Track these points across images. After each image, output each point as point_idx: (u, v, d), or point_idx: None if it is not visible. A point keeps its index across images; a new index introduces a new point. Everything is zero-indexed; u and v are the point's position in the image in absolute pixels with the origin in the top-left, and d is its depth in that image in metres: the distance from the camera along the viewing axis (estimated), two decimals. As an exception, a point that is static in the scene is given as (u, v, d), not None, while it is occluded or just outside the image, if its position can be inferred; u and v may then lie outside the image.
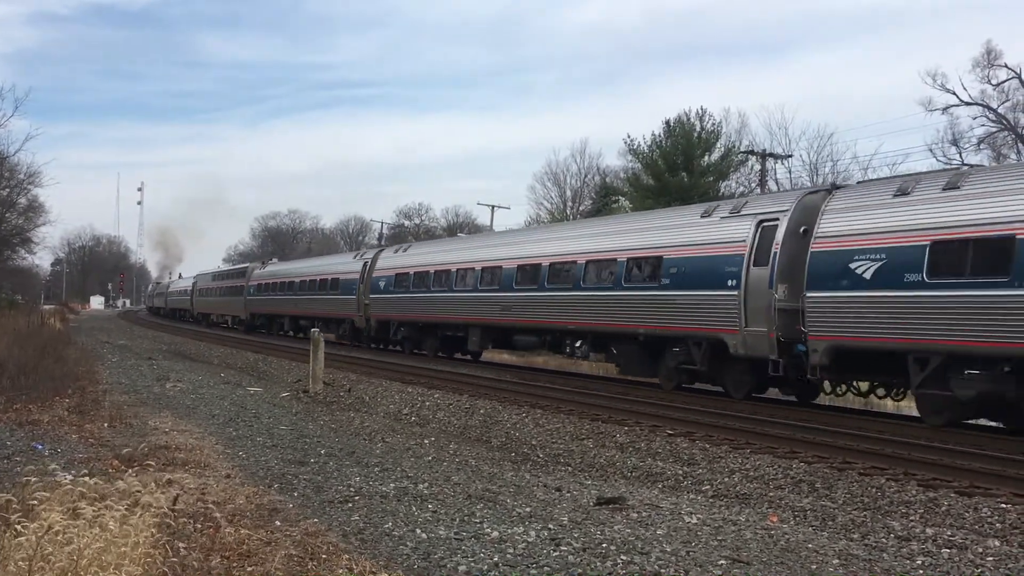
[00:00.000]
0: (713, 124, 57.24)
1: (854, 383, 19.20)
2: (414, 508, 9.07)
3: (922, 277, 15.78)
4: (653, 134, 57.70)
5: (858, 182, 23.89)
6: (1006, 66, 52.30)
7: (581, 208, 75.87)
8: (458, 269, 32.21)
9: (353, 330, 41.60)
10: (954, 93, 53.61)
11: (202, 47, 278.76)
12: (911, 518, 10.34)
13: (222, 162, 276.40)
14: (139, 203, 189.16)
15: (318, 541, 7.44)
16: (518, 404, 20.25)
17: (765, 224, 19.61)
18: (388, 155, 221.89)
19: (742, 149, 58.03)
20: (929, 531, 9.51)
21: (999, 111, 53.79)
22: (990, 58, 52.37)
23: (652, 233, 23.22)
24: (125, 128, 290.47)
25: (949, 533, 9.43)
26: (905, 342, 16.05)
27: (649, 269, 22.71)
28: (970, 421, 16.95)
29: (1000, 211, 14.78)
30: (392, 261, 38.29)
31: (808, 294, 17.83)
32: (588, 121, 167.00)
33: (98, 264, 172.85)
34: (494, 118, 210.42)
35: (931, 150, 55.38)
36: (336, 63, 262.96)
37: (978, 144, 54.01)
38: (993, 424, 16.78)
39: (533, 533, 8.13)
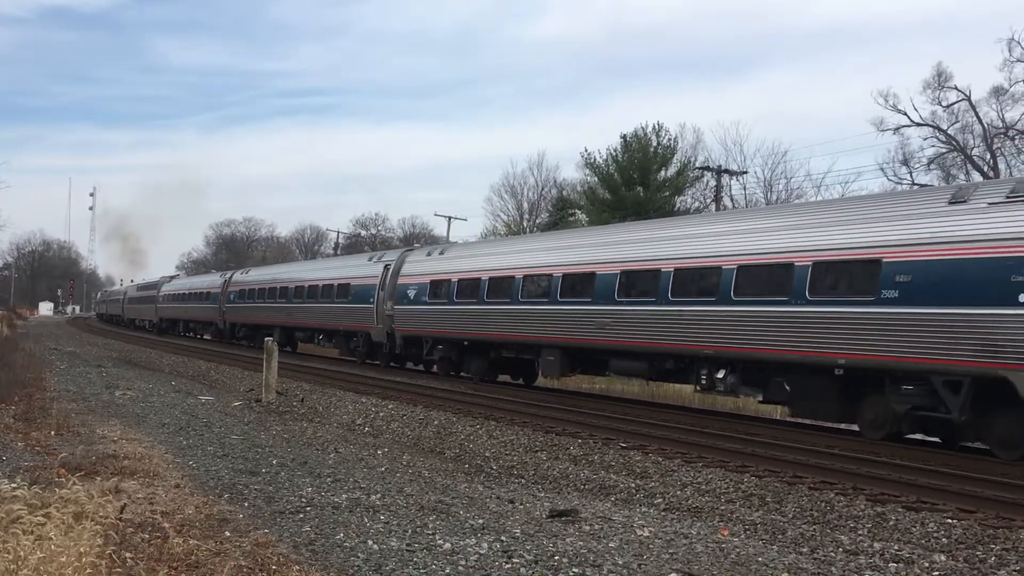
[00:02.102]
0: (669, 139, 57.76)
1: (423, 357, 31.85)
2: (366, 519, 9.02)
3: (427, 297, 30.04)
4: (610, 148, 58.11)
5: (425, 244, 42.23)
6: (956, 88, 53.37)
7: (538, 221, 76.08)
8: (269, 287, 46.40)
9: (217, 330, 55.82)
10: (905, 114, 54.58)
11: (159, 52, 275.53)
12: (859, 532, 10.45)
13: (178, 169, 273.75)
14: (91, 208, 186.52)
15: (268, 552, 7.37)
16: (472, 416, 20.22)
17: (388, 266, 33.70)
18: (347, 164, 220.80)
19: (698, 165, 58.63)
20: (877, 545, 9.63)
21: (949, 132, 54.82)
22: (940, 80, 53.42)
23: (346, 269, 38.75)
24: (79, 132, 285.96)
25: (896, 547, 9.55)
26: (423, 332, 30.61)
27: (346, 290, 36.77)
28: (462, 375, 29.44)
29: (448, 267, 29.82)
30: (240, 278, 53.05)
31: (395, 307, 32.00)
32: (546, 134, 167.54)
33: (48, 270, 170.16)
34: (453, 129, 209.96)
35: (882, 169, 56.52)
36: (295, 71, 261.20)
37: (928, 164, 55.07)
38: (514, 381, 29.19)
39: (485, 545, 8.12)
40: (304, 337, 42.83)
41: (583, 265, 23.24)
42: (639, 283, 21.41)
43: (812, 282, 17.14)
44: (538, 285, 24.93)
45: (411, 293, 31.05)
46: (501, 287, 26.30)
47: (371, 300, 33.91)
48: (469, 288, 27.85)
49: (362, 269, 36.49)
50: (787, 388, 18.22)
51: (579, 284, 23.11)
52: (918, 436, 16.94)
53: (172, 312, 65.51)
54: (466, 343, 28.47)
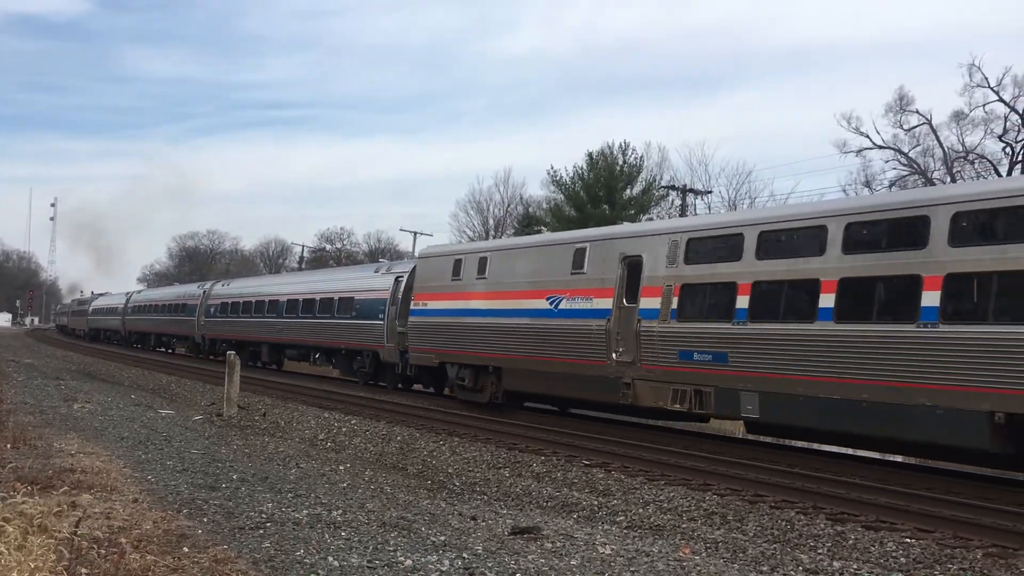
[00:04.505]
0: (635, 158, 58.04)
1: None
2: (327, 535, 8.94)
3: (219, 313, 47.81)
4: (576, 166, 58.34)
5: (228, 278, 68.62)
6: (917, 112, 54.08)
7: (504, 237, 75.97)
8: (149, 305, 64.25)
9: (120, 337, 72.44)
10: (867, 136, 55.20)
11: (128, 61, 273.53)
12: (819, 551, 10.51)
13: (144, 179, 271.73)
14: (52, 219, 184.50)
15: (227, 568, 7.28)
16: (435, 432, 20.16)
17: (205, 291, 51.07)
18: (315, 177, 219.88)
19: (663, 183, 59.01)
20: (836, 564, 9.68)
21: (910, 155, 55.53)
22: (902, 104, 54.11)
23: (184, 292, 56.61)
24: (44, 141, 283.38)
25: (855, 567, 9.62)
26: (217, 336, 48.07)
27: (183, 308, 53.71)
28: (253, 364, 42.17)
29: (228, 293, 48.81)
30: (135, 297, 71.33)
31: (205, 319, 49.62)
32: (514, 150, 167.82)
33: (7, 280, 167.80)
34: (421, 143, 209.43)
35: (844, 191, 56.89)
36: (265, 82, 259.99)
37: (890, 187, 55.63)
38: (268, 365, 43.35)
39: (447, 562, 8.07)
40: (166, 341, 61.07)
41: (278, 295, 41.27)
42: (296, 305, 38.82)
43: (339, 307, 34.68)
44: (260, 306, 42.64)
45: (212, 310, 49.22)
46: (248, 307, 44.26)
47: (195, 315, 51.69)
48: (235, 308, 45.94)
49: (190, 292, 55.27)
50: (334, 362, 36.50)
51: (276, 306, 40.65)
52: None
53: (96, 323, 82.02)
54: (235, 342, 43.76)
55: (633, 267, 19.50)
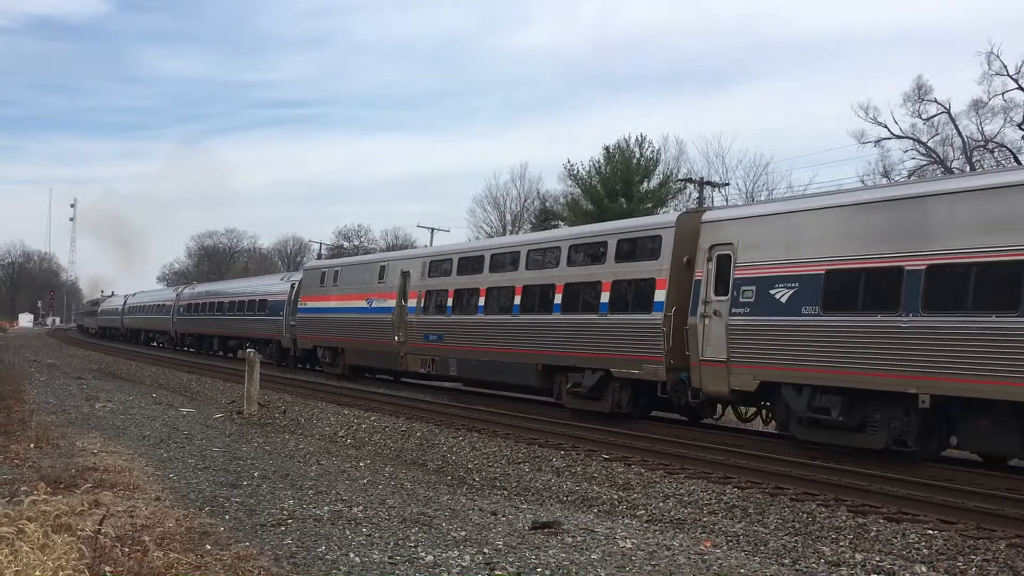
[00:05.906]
0: (652, 151, 57.82)
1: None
2: (348, 532, 8.97)
3: (192, 312, 56.06)
4: (592, 160, 58.17)
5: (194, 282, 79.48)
6: (936, 101, 53.63)
7: (521, 232, 75.90)
8: (138, 306, 73.21)
9: (120, 333, 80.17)
10: (885, 126, 54.77)
11: (143, 62, 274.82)
12: (841, 543, 10.47)
13: (163, 179, 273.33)
14: (71, 219, 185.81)
15: (249, 565, 7.32)
16: (455, 427, 20.17)
17: (178, 294, 61.24)
18: (331, 175, 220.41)
19: (680, 176, 58.75)
20: (858, 556, 9.64)
21: (928, 145, 55.09)
22: (920, 93, 53.66)
23: (162, 296, 69.45)
24: (61, 142, 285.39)
25: (878, 559, 9.57)
26: (192, 332, 56.50)
27: (161, 309, 63.49)
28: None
29: (201, 291, 59.94)
30: (131, 300, 78.05)
31: (175, 317, 59.11)
32: (530, 145, 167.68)
33: (28, 281, 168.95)
34: (438, 139, 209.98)
35: (863, 182, 56.45)
36: (279, 81, 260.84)
37: (908, 177, 55.24)
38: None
39: (468, 557, 8.09)
40: (152, 336, 69.09)
41: (223, 297, 50.32)
42: (234, 305, 47.17)
43: (258, 307, 43.42)
44: (212, 306, 51.55)
45: (181, 310, 58.23)
46: (204, 307, 53.10)
47: (170, 314, 60.19)
48: (196, 308, 54.63)
49: (168, 295, 65.73)
50: (255, 349, 38.32)
51: (222, 306, 49.46)
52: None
53: (103, 323, 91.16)
54: (197, 336, 54.88)
55: (406, 278, 28.98)
